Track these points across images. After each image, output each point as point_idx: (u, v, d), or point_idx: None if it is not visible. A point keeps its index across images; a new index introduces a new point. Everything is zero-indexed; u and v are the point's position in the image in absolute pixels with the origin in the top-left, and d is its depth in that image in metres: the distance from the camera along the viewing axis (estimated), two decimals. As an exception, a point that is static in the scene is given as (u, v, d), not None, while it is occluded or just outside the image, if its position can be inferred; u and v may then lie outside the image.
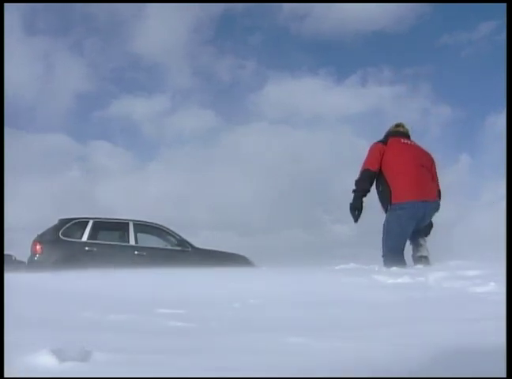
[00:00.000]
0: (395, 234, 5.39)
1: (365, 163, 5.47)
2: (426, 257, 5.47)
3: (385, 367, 1.22)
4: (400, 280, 3.67)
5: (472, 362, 1.27)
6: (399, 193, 5.35)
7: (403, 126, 5.76)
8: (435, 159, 5.85)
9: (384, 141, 5.55)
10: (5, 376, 1.09)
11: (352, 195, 5.48)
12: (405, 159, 5.49)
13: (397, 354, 1.35)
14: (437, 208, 5.54)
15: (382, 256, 5.42)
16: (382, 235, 5.49)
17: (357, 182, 5.47)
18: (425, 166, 5.57)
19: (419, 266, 5.03)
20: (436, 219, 5.71)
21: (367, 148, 5.62)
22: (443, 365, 1.26)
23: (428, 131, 21.03)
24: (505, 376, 1.12)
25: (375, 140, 5.61)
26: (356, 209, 5.45)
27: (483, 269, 3.90)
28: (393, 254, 5.33)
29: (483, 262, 4.28)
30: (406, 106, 21.16)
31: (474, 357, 1.33)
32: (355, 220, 5.48)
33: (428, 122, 21.34)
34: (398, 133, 5.67)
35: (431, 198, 5.48)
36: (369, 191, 5.49)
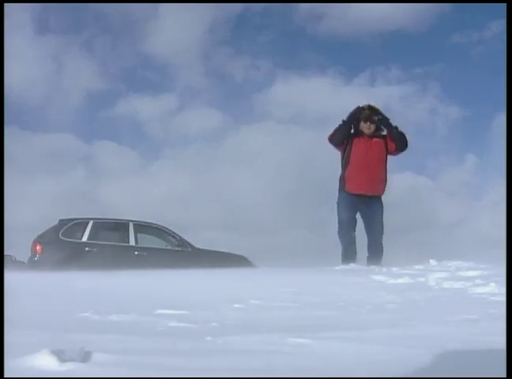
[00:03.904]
0: None
1: None
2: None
3: (386, 367, 1.22)
4: (400, 281, 3.67)
5: (472, 362, 1.27)
6: None
7: None
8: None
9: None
10: (5, 376, 1.09)
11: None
12: None
13: (397, 355, 1.35)
14: None
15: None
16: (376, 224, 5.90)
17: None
18: None
19: (420, 266, 5.04)
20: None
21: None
22: (443, 365, 1.26)
23: (436, 131, 20.94)
24: (505, 376, 1.12)
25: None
26: None
27: (484, 270, 3.89)
28: None
29: (484, 263, 4.28)
30: (414, 106, 21.07)
31: (474, 357, 1.34)
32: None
33: (436, 122, 21.22)
34: None
35: None
36: None
